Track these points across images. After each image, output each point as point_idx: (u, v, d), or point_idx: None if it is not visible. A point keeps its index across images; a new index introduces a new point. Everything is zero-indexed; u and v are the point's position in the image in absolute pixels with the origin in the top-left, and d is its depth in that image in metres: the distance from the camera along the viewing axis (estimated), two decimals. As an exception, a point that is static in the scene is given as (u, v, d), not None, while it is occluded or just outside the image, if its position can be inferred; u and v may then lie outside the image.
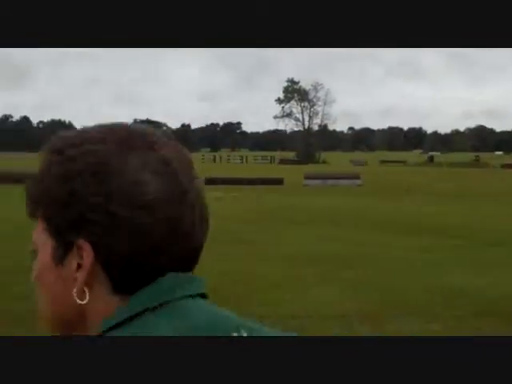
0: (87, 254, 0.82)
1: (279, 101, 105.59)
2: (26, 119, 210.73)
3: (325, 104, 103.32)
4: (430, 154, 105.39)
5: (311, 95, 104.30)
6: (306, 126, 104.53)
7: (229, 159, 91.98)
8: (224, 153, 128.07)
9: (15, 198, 12.77)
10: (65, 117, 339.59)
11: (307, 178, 36.85)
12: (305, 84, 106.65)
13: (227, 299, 6.13)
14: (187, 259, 0.90)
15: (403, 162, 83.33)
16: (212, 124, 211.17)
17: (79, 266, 0.83)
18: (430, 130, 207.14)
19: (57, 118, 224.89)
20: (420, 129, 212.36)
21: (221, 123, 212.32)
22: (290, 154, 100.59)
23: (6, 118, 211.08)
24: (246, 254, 9.25)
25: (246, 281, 7.31)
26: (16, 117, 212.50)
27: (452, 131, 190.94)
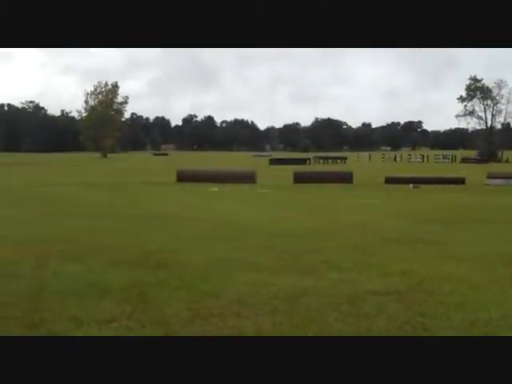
0: None
1: (461, 99, 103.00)
2: (210, 119, 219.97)
3: (508, 102, 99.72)
4: None
5: (494, 93, 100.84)
6: (489, 125, 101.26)
7: (409, 158, 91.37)
8: (404, 151, 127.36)
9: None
10: (247, 116, 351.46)
11: (490, 177, 36.47)
12: (488, 82, 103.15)
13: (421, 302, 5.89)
14: None
15: None
16: (393, 123, 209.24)
17: None
18: None
19: (240, 117, 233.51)
20: None
21: (402, 122, 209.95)
22: (472, 153, 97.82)
23: (191, 117, 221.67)
24: (430, 253, 8.83)
25: (434, 281, 6.86)
26: (200, 116, 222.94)
27: None
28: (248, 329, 5.01)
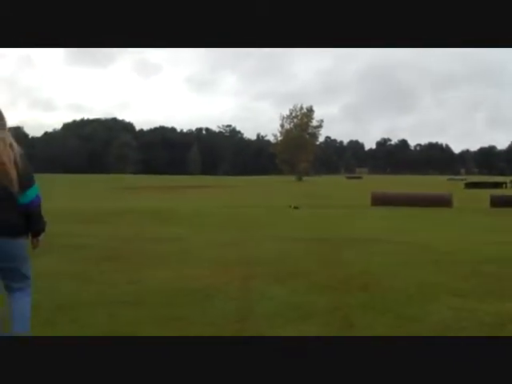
0: None
1: None
2: (403, 142, 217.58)
3: None
4: None
5: None
6: None
7: None
8: None
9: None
10: (442, 140, 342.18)
11: None
12: None
13: None
14: None
15: None
16: None
17: None
18: None
19: (434, 140, 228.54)
20: None
21: None
22: None
23: (385, 141, 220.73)
24: None
25: None
26: (394, 140, 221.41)
27: None
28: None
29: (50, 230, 13.25)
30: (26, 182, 4.61)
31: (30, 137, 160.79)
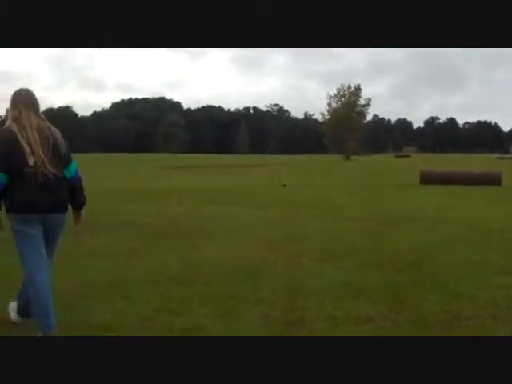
0: None
1: None
2: (452, 120, 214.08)
3: None
4: None
5: None
6: None
7: None
8: None
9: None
10: (491, 118, 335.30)
11: None
12: None
13: None
14: None
15: None
16: None
17: None
18: None
19: (483, 119, 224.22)
20: None
21: None
22: None
23: (433, 119, 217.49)
24: None
25: None
26: (442, 118, 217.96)
27: None
28: (506, 331, 4.92)
29: (102, 208, 13.53)
30: (66, 158, 5.00)
31: (79, 116, 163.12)
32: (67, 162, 5.04)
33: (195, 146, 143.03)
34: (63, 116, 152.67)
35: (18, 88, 5.11)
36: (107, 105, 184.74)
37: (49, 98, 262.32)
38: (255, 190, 24.35)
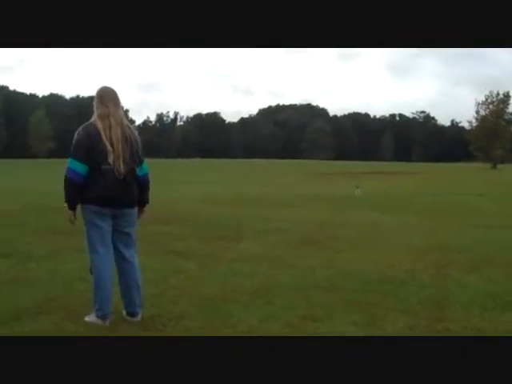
0: None
1: None
2: None
3: None
4: None
5: None
6: None
7: None
8: None
9: None
10: None
11: None
12: None
13: None
14: None
15: None
16: None
17: None
18: None
19: None
20: None
21: None
22: None
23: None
24: None
25: None
26: None
27: None
28: None
29: (249, 213, 13.91)
30: (140, 157, 5.34)
31: (226, 122, 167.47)
32: (140, 162, 5.34)
33: (340, 153, 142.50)
34: (211, 122, 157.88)
35: (103, 85, 5.36)
36: (254, 111, 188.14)
37: (197, 104, 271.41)
38: (400, 197, 23.93)
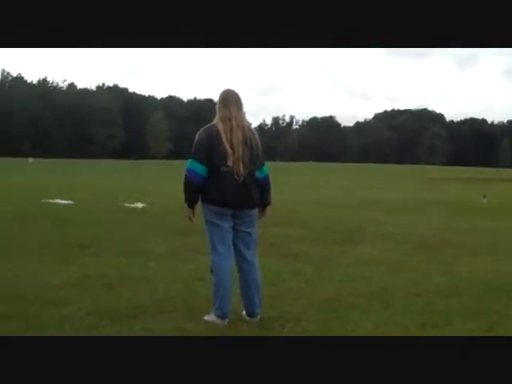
0: None
1: None
2: None
3: None
4: None
5: None
6: None
7: None
8: None
9: None
10: None
11: None
12: None
13: None
14: None
15: None
16: None
17: None
18: None
19: None
20: None
21: None
22: None
23: None
24: None
25: None
26: None
27: None
28: None
29: (367, 217, 13.83)
30: (260, 159, 5.37)
31: (341, 126, 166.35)
32: (261, 164, 5.38)
33: (457, 158, 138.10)
34: (326, 126, 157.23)
35: (226, 88, 5.43)
36: (370, 116, 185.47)
37: (313, 108, 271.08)
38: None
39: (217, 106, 5.38)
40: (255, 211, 5.43)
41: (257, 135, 5.41)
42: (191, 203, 5.34)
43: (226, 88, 5.45)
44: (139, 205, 16.34)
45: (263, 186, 5.45)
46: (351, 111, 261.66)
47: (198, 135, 5.29)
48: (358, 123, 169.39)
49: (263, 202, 5.50)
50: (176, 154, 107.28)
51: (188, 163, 5.27)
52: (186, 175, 5.27)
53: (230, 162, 5.15)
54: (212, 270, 5.37)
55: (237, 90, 5.46)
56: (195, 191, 5.27)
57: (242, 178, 5.18)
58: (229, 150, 5.13)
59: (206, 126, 5.33)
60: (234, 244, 5.39)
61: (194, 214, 5.38)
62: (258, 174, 5.36)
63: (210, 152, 5.15)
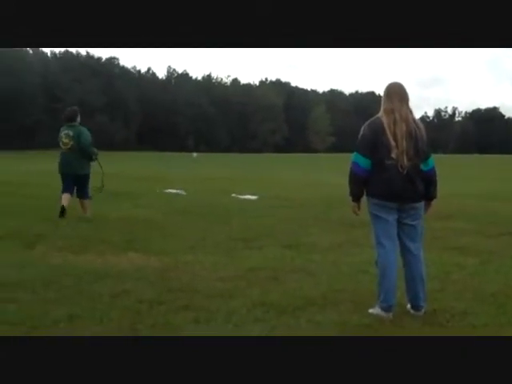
0: None
1: None
2: None
3: None
4: None
5: None
6: None
7: None
8: None
9: None
10: None
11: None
12: None
13: None
14: None
15: None
16: None
17: None
18: None
19: None
20: None
21: None
22: None
23: None
24: None
25: None
26: None
27: None
28: None
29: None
30: (425, 152, 5.30)
31: (505, 117, 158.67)
32: (426, 156, 5.29)
33: None
34: (489, 117, 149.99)
35: (392, 81, 5.40)
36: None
37: (477, 99, 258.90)
38: None
39: (382, 99, 5.41)
40: (420, 204, 5.38)
41: (423, 128, 5.36)
42: (356, 196, 5.41)
43: (391, 81, 5.45)
44: (300, 197, 16.51)
45: (429, 179, 5.39)
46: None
47: (362, 129, 5.35)
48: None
49: (429, 195, 5.45)
50: (339, 147, 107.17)
51: (353, 156, 5.35)
52: (350, 168, 5.36)
53: (393, 155, 5.16)
54: (377, 263, 5.40)
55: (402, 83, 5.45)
56: (360, 184, 5.34)
57: (405, 171, 5.17)
58: (392, 143, 5.15)
59: (370, 120, 5.38)
60: (399, 237, 5.39)
61: (359, 207, 5.46)
62: (423, 167, 5.31)
63: (374, 145, 5.20)
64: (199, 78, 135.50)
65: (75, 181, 11.25)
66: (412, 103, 5.36)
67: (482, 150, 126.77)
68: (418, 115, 5.77)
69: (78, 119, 11.43)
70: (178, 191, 18.25)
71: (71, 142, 11.20)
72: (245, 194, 17.55)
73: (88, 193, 11.45)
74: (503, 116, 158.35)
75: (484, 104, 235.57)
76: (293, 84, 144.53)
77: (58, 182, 11.79)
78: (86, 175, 11.34)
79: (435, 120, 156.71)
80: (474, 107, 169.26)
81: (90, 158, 11.37)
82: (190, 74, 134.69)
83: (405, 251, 5.42)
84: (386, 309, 5.27)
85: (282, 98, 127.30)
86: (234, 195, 17.37)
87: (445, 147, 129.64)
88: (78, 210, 11.33)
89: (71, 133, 11.21)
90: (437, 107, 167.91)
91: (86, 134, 11.31)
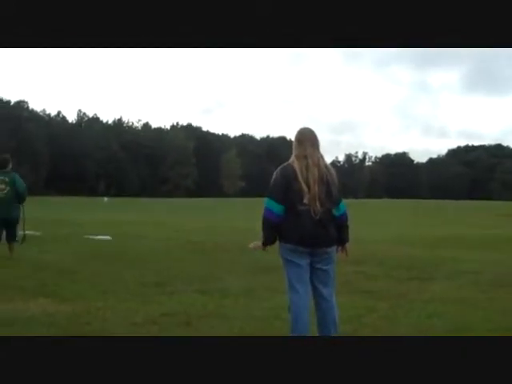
0: None
1: None
2: None
3: None
4: None
5: None
6: None
7: None
8: None
9: None
10: None
11: None
12: None
13: None
14: None
15: None
16: None
17: None
18: None
19: None
20: None
21: None
22: None
23: None
24: None
25: None
26: None
27: None
28: None
29: (441, 254, 13.60)
30: (337, 197, 5.38)
31: (414, 162, 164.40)
32: (337, 202, 5.39)
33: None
34: (399, 162, 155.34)
35: (302, 127, 5.52)
36: (443, 152, 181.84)
37: (388, 145, 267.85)
38: None
39: (293, 145, 5.47)
40: (333, 249, 5.43)
41: (334, 173, 5.45)
42: (268, 242, 5.41)
43: (302, 127, 5.55)
44: (210, 243, 16.58)
45: (341, 224, 5.46)
46: (424, 147, 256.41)
47: (274, 174, 5.38)
48: (430, 159, 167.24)
49: (341, 240, 5.51)
50: (249, 192, 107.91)
51: (265, 202, 5.35)
52: (263, 214, 5.36)
53: (306, 200, 5.20)
54: (289, 309, 5.39)
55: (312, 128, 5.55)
56: (273, 230, 5.34)
57: (318, 216, 5.21)
58: (305, 188, 5.19)
59: (283, 165, 5.42)
60: (312, 282, 5.41)
61: (264, 249, 5.47)
62: (335, 212, 5.37)
63: (287, 190, 5.23)
64: (110, 121, 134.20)
65: (7, 224, 11.70)
66: (323, 148, 5.46)
67: (392, 194, 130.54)
68: (328, 160, 5.92)
69: (10, 166, 12.02)
70: (103, 237, 18.00)
71: (7, 188, 11.65)
72: (158, 238, 17.45)
73: (16, 235, 11.96)
74: (412, 161, 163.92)
75: (393, 149, 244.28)
76: (204, 129, 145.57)
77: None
78: (17, 219, 11.87)
79: (346, 165, 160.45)
80: (384, 152, 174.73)
81: (22, 202, 11.86)
82: (101, 118, 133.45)
83: (317, 296, 5.44)
84: None
85: (193, 142, 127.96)
86: (145, 241, 17.22)
87: (355, 192, 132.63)
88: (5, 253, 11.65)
89: (7, 179, 11.73)
90: (347, 152, 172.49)
91: (21, 180, 11.91)
